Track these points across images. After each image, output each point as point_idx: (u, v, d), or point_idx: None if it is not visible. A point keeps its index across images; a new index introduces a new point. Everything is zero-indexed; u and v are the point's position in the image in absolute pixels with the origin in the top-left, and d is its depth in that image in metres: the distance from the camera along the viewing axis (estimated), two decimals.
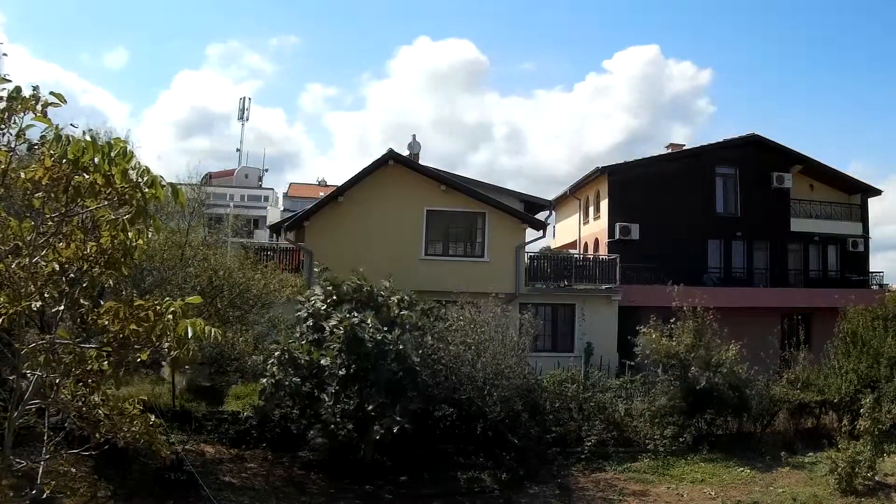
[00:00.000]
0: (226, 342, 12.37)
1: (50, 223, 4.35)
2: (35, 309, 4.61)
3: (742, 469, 14.68)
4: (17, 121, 4.12)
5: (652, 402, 16.25)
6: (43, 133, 4.17)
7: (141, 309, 4.34)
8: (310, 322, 13.38)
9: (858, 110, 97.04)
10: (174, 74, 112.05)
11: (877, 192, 31.69)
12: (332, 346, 12.51)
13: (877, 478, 13.57)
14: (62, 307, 4.57)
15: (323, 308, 13.40)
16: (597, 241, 30.01)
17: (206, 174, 31.68)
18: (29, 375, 4.68)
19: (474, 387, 14.46)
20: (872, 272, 31.29)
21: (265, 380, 12.83)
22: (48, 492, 5.37)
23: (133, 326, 4.35)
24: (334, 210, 21.82)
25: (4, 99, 4.05)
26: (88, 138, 4.09)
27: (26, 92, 4.09)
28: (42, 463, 5.24)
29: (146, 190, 4.10)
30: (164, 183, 4.15)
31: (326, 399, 12.66)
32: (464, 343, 14.77)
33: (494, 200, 23.02)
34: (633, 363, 18.35)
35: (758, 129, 33.87)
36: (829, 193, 31.07)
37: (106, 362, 4.77)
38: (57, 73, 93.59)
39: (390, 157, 22.10)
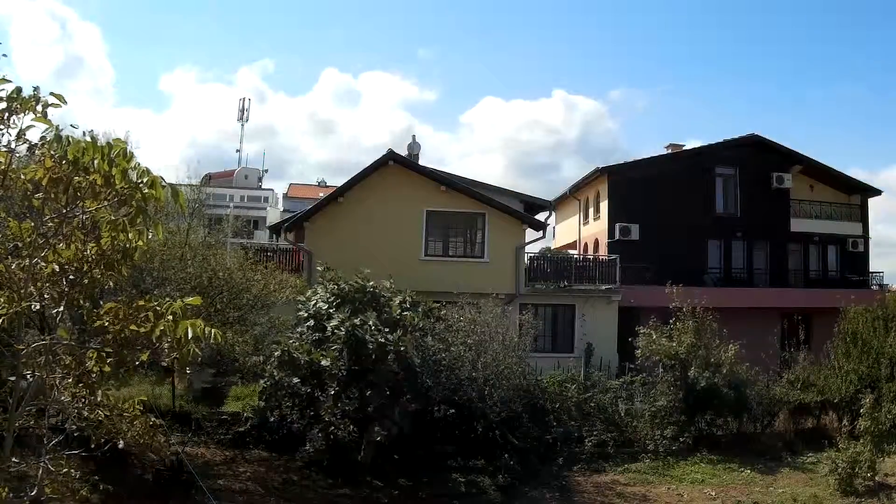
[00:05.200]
0: (225, 343, 12.36)
1: (50, 224, 4.34)
2: (35, 310, 4.60)
3: (742, 469, 14.67)
4: (17, 121, 4.11)
5: (652, 402, 16.25)
6: (43, 134, 4.16)
7: (141, 310, 4.32)
8: (311, 322, 13.36)
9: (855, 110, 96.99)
10: None
11: (877, 192, 31.72)
12: (332, 347, 12.49)
13: (877, 478, 13.56)
14: (62, 308, 4.55)
15: (325, 308, 13.38)
16: (597, 242, 29.99)
17: (206, 175, 31.68)
18: (29, 376, 4.67)
19: (474, 387, 14.45)
20: (872, 272, 31.29)
21: (265, 381, 12.81)
22: (48, 493, 5.36)
23: (133, 327, 4.33)
24: (334, 211, 21.82)
25: (4, 99, 4.03)
26: (88, 139, 4.08)
27: (26, 92, 4.08)
28: (42, 464, 5.22)
29: (146, 191, 4.09)
30: (164, 184, 4.14)
31: (326, 400, 12.65)
32: (464, 344, 14.77)
33: (494, 201, 23.00)
34: (633, 364, 18.33)
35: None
36: (829, 194, 31.05)
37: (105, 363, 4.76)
38: None
39: (390, 158, 22.10)
